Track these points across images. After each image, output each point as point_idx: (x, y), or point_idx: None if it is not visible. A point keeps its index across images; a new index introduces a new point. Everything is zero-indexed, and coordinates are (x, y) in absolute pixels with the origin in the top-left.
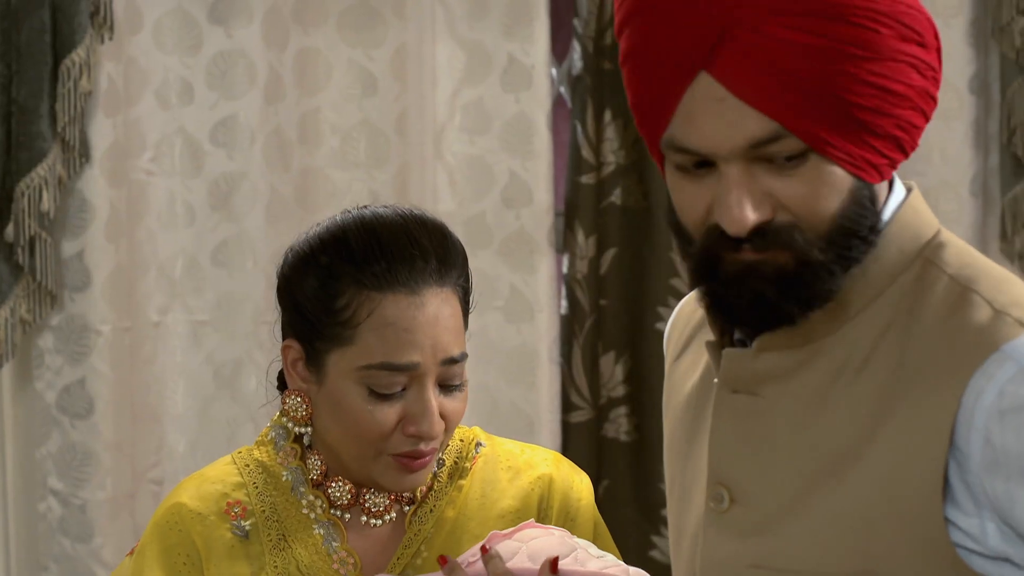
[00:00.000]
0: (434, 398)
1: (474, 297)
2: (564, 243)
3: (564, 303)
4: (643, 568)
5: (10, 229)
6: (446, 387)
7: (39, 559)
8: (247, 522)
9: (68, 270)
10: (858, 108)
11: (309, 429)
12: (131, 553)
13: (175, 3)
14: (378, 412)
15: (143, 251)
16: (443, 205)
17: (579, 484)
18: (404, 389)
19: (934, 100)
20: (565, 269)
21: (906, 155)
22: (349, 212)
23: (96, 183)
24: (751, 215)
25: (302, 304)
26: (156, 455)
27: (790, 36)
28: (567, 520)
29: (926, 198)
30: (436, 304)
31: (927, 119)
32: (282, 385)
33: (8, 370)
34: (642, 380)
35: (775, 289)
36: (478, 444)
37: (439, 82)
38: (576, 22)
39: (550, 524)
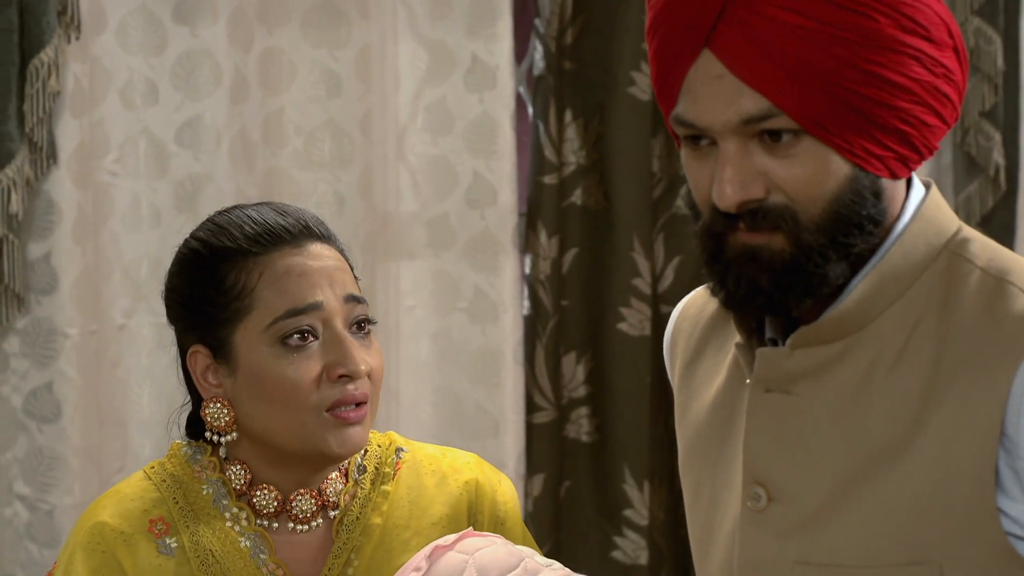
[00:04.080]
0: (349, 336)
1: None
2: (526, 243)
3: (527, 304)
4: (604, 569)
5: None
6: (357, 329)
7: (5, 565)
8: (172, 540)
9: (35, 272)
10: (852, 94)
11: (233, 436)
12: None
13: (139, 3)
14: (300, 364)
15: (108, 253)
16: (406, 206)
17: (503, 488)
18: (316, 339)
19: (950, 101)
20: (527, 270)
21: (919, 153)
22: (211, 216)
23: (63, 184)
24: (739, 191)
25: (193, 301)
26: (122, 459)
27: (784, 16)
28: (497, 524)
29: None
30: (324, 254)
31: (944, 121)
32: (192, 432)
33: None
34: (603, 381)
35: (768, 278)
36: (399, 449)
37: (402, 82)
38: (538, 22)
39: (482, 530)
